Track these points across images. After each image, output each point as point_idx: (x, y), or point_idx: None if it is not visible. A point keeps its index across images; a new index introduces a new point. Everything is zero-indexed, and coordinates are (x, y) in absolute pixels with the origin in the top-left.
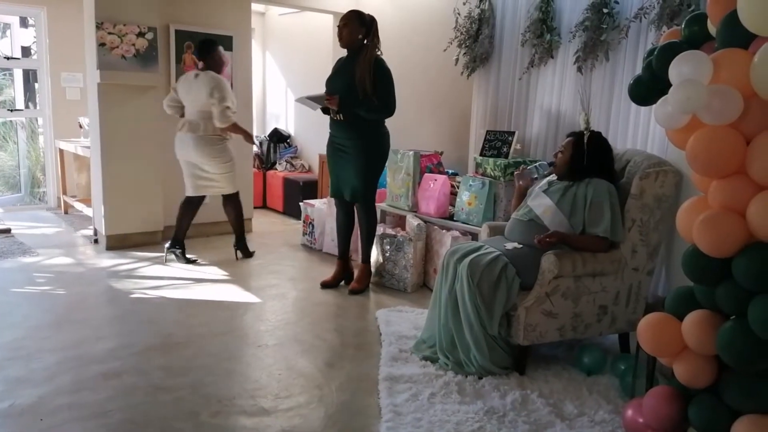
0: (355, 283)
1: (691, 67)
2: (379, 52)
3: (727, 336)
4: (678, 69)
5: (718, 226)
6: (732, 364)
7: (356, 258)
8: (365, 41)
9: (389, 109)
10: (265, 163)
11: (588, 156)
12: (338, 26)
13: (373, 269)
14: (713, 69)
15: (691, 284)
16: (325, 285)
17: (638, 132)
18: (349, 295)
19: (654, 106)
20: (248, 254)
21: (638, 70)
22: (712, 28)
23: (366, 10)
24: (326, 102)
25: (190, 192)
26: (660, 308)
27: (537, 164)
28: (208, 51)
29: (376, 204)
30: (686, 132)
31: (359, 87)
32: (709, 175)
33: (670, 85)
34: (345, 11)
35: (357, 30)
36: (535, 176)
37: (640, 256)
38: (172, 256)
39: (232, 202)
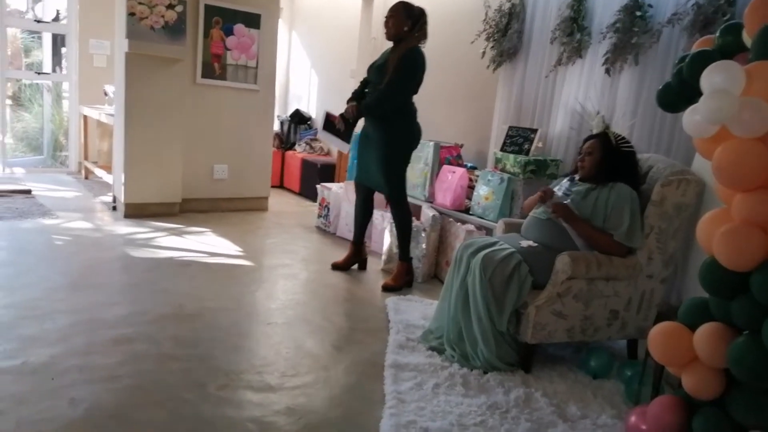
0: (391, 281)
1: (723, 77)
2: (421, 45)
3: (739, 350)
4: (710, 78)
5: (739, 239)
6: (742, 378)
7: (368, 244)
8: (410, 32)
9: (387, 95)
10: (285, 143)
11: (618, 154)
12: (385, 17)
13: (384, 256)
14: (746, 80)
15: (706, 296)
16: (336, 267)
17: (663, 138)
18: (382, 291)
19: (683, 113)
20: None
21: (667, 76)
22: (747, 39)
23: None
24: (339, 121)
25: None
26: (671, 317)
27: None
28: None
29: (407, 196)
30: (714, 142)
31: (384, 75)
32: (734, 187)
33: (699, 94)
34: None
35: (403, 22)
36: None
37: (655, 263)
38: None
39: None
